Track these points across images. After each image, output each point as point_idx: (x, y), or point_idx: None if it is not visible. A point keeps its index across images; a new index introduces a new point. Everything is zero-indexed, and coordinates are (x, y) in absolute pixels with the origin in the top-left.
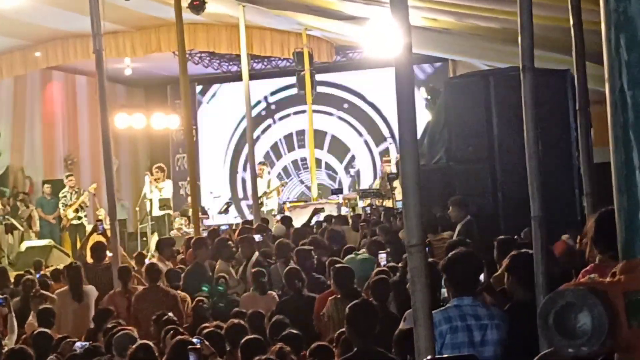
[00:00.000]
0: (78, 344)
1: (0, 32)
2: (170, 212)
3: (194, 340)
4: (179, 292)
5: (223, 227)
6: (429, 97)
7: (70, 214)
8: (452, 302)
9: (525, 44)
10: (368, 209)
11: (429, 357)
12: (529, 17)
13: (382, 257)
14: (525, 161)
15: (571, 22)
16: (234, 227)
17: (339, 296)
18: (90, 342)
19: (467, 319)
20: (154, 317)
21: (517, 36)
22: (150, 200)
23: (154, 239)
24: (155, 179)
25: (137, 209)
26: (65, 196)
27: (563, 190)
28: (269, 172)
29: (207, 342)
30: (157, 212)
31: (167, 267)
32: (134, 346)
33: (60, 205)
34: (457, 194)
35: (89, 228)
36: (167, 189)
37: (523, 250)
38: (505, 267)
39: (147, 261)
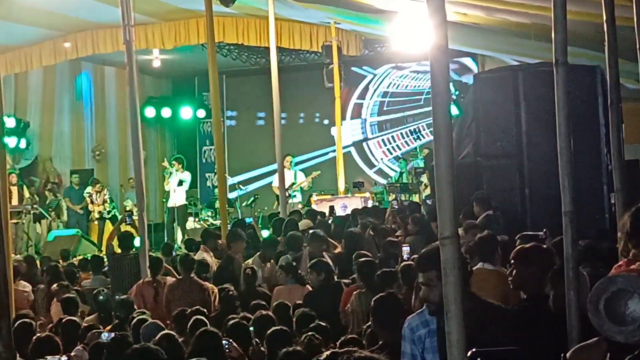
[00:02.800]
0: (104, 334)
1: (31, 22)
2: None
3: (223, 342)
4: (206, 283)
5: (248, 220)
6: (457, 92)
7: (96, 213)
8: None
9: (558, 37)
10: (395, 203)
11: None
12: (563, 10)
13: (406, 250)
14: (554, 157)
15: (604, 17)
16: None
17: (363, 290)
18: (117, 332)
19: None
20: (175, 313)
21: (548, 32)
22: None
23: (180, 230)
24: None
25: (164, 200)
26: (90, 195)
27: (591, 187)
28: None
29: (235, 344)
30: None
31: (211, 258)
32: (158, 336)
33: (87, 199)
34: (484, 190)
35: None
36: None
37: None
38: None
39: (174, 252)
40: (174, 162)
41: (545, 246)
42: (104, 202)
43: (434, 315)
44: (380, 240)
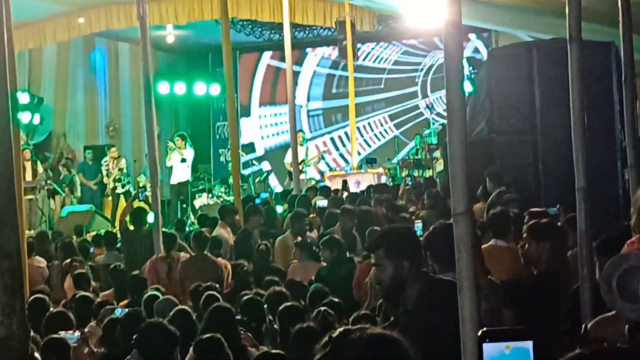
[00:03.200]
0: (117, 310)
1: None
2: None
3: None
4: (219, 259)
5: (263, 195)
6: (470, 69)
7: (111, 183)
8: None
9: (572, 14)
10: (408, 179)
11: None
12: None
13: (418, 226)
14: (567, 133)
15: None
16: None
17: None
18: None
19: None
20: (191, 288)
21: (562, 7)
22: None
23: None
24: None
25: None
26: (108, 164)
27: (604, 163)
28: (307, 140)
29: (250, 334)
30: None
31: (228, 234)
32: (172, 311)
33: (104, 171)
34: (497, 166)
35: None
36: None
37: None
38: None
39: (187, 228)
40: (177, 138)
41: (559, 224)
42: (120, 169)
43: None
44: (394, 216)
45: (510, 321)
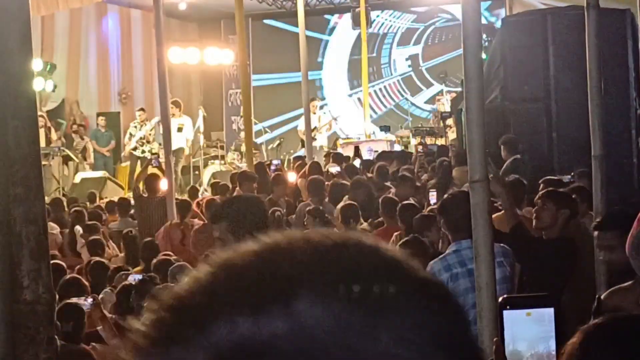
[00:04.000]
0: (131, 276)
1: None
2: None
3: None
4: None
5: (275, 162)
6: (484, 36)
7: (133, 144)
8: (451, 248)
9: None
10: (421, 147)
11: (505, 295)
12: None
13: (432, 194)
14: (582, 101)
15: None
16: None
17: (403, 232)
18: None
19: (467, 263)
20: (204, 255)
21: None
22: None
23: (206, 173)
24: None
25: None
26: (135, 126)
27: (619, 131)
28: (320, 108)
29: None
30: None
31: None
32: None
33: (128, 134)
34: (511, 133)
35: None
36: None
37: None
38: None
39: (200, 195)
40: (171, 105)
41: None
42: (152, 129)
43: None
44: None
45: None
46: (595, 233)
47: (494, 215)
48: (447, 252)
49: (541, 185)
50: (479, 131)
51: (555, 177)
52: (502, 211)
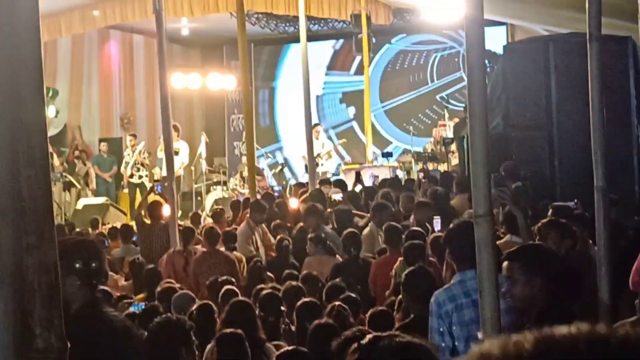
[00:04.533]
0: (134, 305)
1: None
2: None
3: None
4: (235, 253)
5: (276, 189)
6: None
7: (129, 171)
8: (455, 278)
9: (593, 12)
10: (421, 174)
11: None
12: None
13: (437, 221)
14: (584, 128)
15: None
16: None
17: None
18: (146, 302)
19: (472, 294)
20: (208, 282)
21: (580, 2)
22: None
23: (208, 199)
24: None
25: (193, 168)
26: (128, 154)
27: (621, 159)
28: (324, 132)
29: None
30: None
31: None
32: (195, 306)
33: (123, 163)
34: (513, 160)
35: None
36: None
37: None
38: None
39: (202, 221)
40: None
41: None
42: (140, 153)
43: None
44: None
45: None
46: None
47: (498, 242)
48: (451, 282)
49: (550, 211)
50: (483, 165)
51: (564, 204)
52: (504, 238)
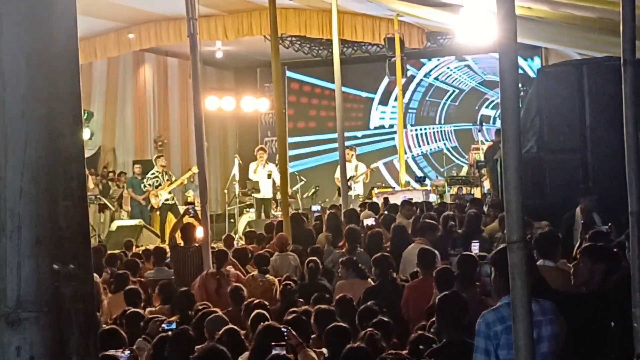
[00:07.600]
0: (165, 324)
1: (96, 14)
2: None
3: (282, 328)
4: (268, 276)
5: (314, 208)
6: (520, 86)
7: (164, 194)
8: (503, 300)
9: (626, 38)
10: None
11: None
12: (632, 10)
13: (475, 246)
14: (618, 151)
15: None
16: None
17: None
18: (178, 321)
19: None
20: (245, 304)
21: (613, 25)
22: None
23: (241, 221)
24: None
25: (226, 191)
26: (156, 177)
27: None
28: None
29: (294, 332)
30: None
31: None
32: (222, 330)
33: (148, 184)
34: (547, 184)
35: (181, 208)
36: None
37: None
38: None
39: (235, 244)
40: (260, 151)
41: (615, 249)
42: (169, 177)
43: None
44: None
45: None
46: None
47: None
48: (499, 303)
49: (587, 236)
50: (517, 190)
51: (601, 229)
52: (537, 262)
